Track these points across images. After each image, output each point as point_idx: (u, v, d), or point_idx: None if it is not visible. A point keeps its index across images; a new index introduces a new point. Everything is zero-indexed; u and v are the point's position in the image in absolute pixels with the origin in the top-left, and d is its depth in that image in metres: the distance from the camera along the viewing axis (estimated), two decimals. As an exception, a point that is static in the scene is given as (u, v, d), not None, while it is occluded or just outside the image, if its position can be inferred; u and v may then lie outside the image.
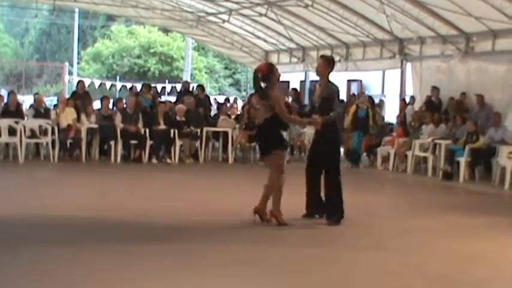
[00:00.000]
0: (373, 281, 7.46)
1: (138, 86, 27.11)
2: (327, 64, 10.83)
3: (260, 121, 10.52)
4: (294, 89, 24.40)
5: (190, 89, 23.08)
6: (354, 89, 28.97)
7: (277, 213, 10.19)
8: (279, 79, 10.49)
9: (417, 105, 20.78)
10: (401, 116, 20.30)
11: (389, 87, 25.24)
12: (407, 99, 21.54)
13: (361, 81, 28.91)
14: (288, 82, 30.12)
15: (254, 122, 20.20)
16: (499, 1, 16.25)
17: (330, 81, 10.75)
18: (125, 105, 19.69)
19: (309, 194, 10.79)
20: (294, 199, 10.48)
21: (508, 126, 17.26)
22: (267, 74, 10.30)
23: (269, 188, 10.24)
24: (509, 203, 14.59)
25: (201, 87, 23.70)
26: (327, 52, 23.96)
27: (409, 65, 22.03)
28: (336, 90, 10.73)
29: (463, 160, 16.76)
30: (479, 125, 17.48)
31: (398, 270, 7.86)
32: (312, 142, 11.32)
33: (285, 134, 19.65)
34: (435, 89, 20.01)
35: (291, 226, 10.16)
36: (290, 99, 21.75)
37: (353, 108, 19.76)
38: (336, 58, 23.88)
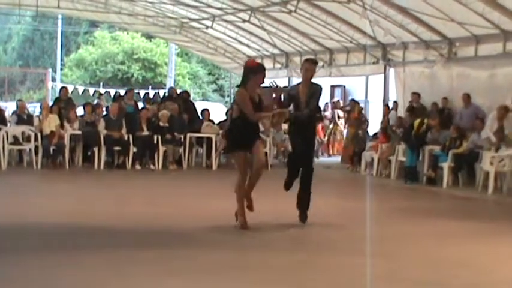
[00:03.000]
0: (359, 287, 7.45)
1: (122, 92, 26.99)
2: (315, 67, 11.04)
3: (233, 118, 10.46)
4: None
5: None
6: (338, 94, 29.02)
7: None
8: (259, 82, 10.27)
9: (400, 111, 20.83)
10: (385, 122, 20.33)
11: (372, 92, 25.28)
12: (391, 105, 21.59)
13: (344, 86, 28.96)
14: (272, 88, 30.10)
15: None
16: (481, 7, 16.33)
17: (313, 82, 10.89)
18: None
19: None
20: (279, 204, 10.44)
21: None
22: (246, 70, 10.25)
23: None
24: (492, 208, 14.64)
25: (186, 93, 23.66)
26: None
27: (392, 71, 22.08)
28: (320, 88, 10.86)
29: (446, 165, 16.80)
30: (465, 125, 17.52)
31: (384, 275, 7.83)
32: (299, 141, 10.96)
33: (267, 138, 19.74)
34: (415, 94, 20.09)
35: (276, 231, 10.15)
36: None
37: (418, 122, 18.10)
38: (320, 64, 24.13)
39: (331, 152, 24.93)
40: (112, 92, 36.65)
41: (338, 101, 26.41)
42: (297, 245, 9.66)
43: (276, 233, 10.17)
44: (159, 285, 7.29)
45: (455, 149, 16.85)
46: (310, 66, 10.98)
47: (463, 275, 8.10)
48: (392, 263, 8.52)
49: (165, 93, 26.03)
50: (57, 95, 25.79)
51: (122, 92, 25.91)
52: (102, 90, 39.50)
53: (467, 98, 18.44)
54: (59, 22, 50.47)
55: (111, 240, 9.45)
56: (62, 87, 22.97)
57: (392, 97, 22.40)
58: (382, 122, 20.52)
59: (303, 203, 10.79)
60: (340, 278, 7.81)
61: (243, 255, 8.82)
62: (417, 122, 18.04)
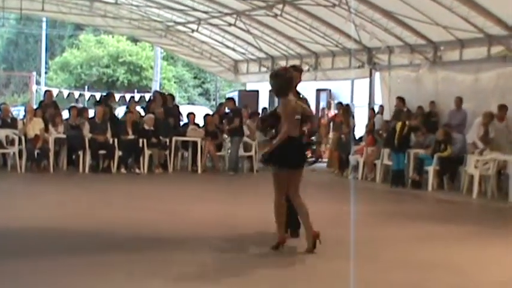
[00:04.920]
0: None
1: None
2: (300, 74, 10.31)
3: (294, 134, 9.20)
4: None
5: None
6: (323, 98, 29.06)
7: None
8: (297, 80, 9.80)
9: (386, 114, 20.87)
10: (370, 125, 20.36)
11: (358, 96, 25.33)
12: (376, 109, 21.63)
13: (330, 90, 28.99)
14: (257, 91, 30.17)
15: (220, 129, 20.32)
16: (466, 11, 16.39)
17: (299, 92, 10.58)
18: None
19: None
20: (264, 209, 10.39)
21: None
22: (288, 80, 9.27)
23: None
24: (476, 211, 14.68)
25: (171, 96, 23.58)
26: (296, 61, 24.06)
27: (377, 74, 22.13)
28: (307, 101, 10.52)
29: (431, 169, 16.85)
30: (454, 126, 17.55)
31: (367, 278, 7.84)
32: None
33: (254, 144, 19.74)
34: (397, 98, 20.11)
35: (260, 236, 10.13)
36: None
37: (400, 124, 17.94)
38: (305, 67, 24.17)
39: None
40: (97, 95, 36.61)
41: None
42: (278, 249, 9.60)
43: (259, 238, 10.11)
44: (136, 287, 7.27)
45: (440, 152, 16.90)
46: (295, 73, 10.04)
47: (445, 277, 8.12)
48: (375, 266, 8.52)
49: (150, 97, 25.94)
50: (41, 98, 25.67)
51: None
52: (87, 94, 39.48)
53: (459, 101, 18.37)
54: (44, 25, 50.25)
55: (92, 243, 9.40)
56: (47, 91, 22.92)
57: (378, 101, 22.46)
58: (367, 126, 20.55)
59: (291, 221, 10.13)
60: (322, 282, 7.82)
61: (226, 260, 8.82)
62: (399, 124, 18.02)
